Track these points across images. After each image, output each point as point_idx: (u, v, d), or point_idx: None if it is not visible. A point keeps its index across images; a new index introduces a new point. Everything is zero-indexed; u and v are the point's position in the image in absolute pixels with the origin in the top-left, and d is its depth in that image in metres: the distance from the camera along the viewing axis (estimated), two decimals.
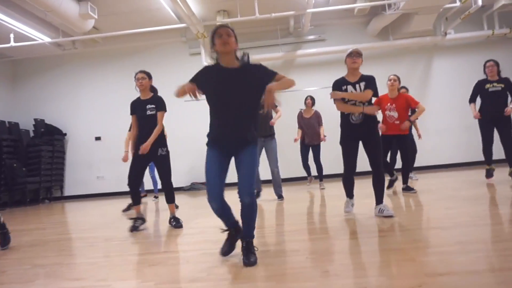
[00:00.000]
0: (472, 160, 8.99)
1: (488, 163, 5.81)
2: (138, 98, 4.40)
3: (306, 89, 9.65)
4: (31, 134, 9.97)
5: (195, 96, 2.62)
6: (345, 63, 3.96)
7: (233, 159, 2.76)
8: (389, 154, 5.82)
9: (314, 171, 7.41)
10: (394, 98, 5.47)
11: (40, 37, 8.32)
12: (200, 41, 9.30)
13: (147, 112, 4.24)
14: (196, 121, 9.82)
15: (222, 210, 2.75)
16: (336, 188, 6.66)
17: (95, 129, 10.26)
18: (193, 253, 3.10)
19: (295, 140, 7.20)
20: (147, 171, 5.69)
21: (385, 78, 9.56)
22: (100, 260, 3.14)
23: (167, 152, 4.33)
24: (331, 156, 9.26)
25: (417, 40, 9.01)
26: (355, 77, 3.93)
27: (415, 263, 2.32)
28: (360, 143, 3.96)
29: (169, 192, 4.35)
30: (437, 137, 9.35)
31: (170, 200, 4.36)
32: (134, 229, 4.21)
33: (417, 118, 5.83)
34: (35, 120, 9.92)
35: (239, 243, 2.78)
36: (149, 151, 4.17)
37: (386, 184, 5.73)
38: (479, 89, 5.82)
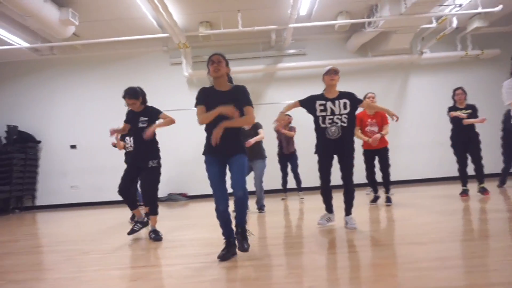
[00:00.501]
0: (444, 176, 9.26)
1: (464, 184, 6.14)
2: (131, 111, 4.51)
3: (284, 102, 9.75)
4: (3, 141, 9.63)
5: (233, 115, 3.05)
6: (323, 79, 4.14)
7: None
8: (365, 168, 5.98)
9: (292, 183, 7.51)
10: (374, 114, 5.71)
11: (17, 42, 8.11)
12: (181, 51, 9.30)
13: (139, 125, 4.29)
14: (174, 133, 9.76)
15: (227, 217, 3.15)
16: (317, 201, 6.72)
17: (70, 137, 10.01)
18: (176, 268, 3.06)
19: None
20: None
21: (363, 93, 9.80)
22: (78, 275, 3.06)
23: (158, 164, 4.34)
24: (308, 166, 9.21)
25: (394, 57, 9.29)
26: (334, 93, 4.10)
27: (397, 279, 2.37)
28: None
29: (152, 203, 4.33)
30: (411, 152, 9.60)
31: (153, 212, 4.34)
32: (132, 232, 4.34)
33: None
34: (8, 126, 9.60)
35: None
36: (141, 162, 4.27)
37: (370, 199, 5.97)
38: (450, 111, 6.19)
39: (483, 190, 5.96)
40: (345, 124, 3.99)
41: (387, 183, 5.76)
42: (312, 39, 9.73)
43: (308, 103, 4.14)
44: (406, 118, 9.72)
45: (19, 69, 10.03)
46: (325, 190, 4.20)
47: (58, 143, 10.01)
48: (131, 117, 4.40)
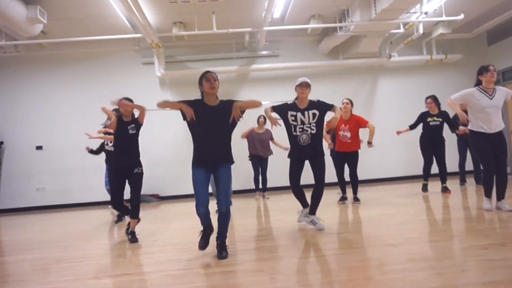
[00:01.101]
0: (412, 174, 9.64)
1: (425, 179, 6.73)
2: (120, 119, 4.63)
3: None
4: None
5: (190, 118, 3.38)
6: (295, 90, 4.42)
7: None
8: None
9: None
10: (347, 119, 5.99)
11: None
12: (154, 51, 9.16)
13: (129, 131, 4.57)
14: (146, 134, 9.56)
15: (206, 215, 3.36)
16: (287, 201, 6.85)
17: (36, 138, 9.64)
18: (156, 275, 3.05)
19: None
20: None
21: (335, 94, 10.09)
22: (55, 286, 2.99)
23: (142, 171, 4.62)
24: (284, 168, 9.44)
25: (364, 60, 9.54)
26: (304, 104, 4.37)
27: (373, 282, 2.48)
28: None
29: (135, 208, 4.57)
30: (380, 152, 9.89)
31: (135, 215, 4.58)
32: (119, 220, 5.33)
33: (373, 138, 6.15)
34: None
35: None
36: (126, 168, 4.54)
37: (338, 199, 6.20)
38: (422, 120, 6.69)
39: (445, 189, 6.50)
40: (314, 131, 4.29)
41: (356, 185, 6.10)
42: (285, 41, 9.83)
43: (280, 111, 4.42)
44: (375, 119, 9.96)
45: None
46: (296, 190, 4.47)
47: (22, 144, 9.62)
48: (121, 124, 4.59)
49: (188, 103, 3.43)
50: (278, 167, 9.08)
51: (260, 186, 8.01)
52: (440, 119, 6.56)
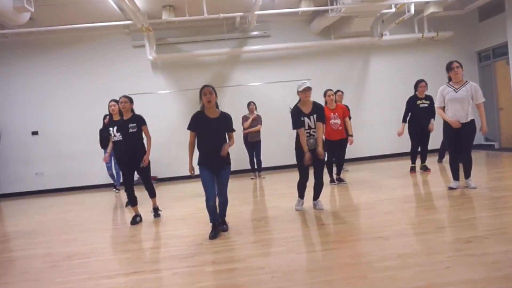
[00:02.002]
0: (400, 152, 9.93)
1: (413, 162, 7.30)
2: (121, 119, 5.19)
3: (250, 84, 9.92)
4: None
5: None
6: (298, 95, 4.76)
7: None
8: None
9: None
10: (334, 108, 6.47)
11: None
12: (144, 34, 9.08)
13: (129, 130, 5.07)
14: (154, 116, 9.69)
15: (214, 208, 4.14)
16: (282, 183, 7.12)
17: (31, 123, 9.68)
18: (164, 274, 3.27)
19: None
20: (113, 167, 8.17)
21: (327, 73, 10.22)
22: (71, 286, 3.20)
23: (149, 160, 5.22)
24: (278, 148, 9.75)
25: (356, 40, 9.58)
26: (308, 108, 4.74)
27: (367, 281, 2.72)
28: None
29: (150, 190, 5.42)
30: (371, 130, 10.13)
31: (153, 195, 5.47)
32: (134, 223, 5.21)
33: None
34: None
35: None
36: (134, 159, 5.11)
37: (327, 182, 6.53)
38: (411, 105, 6.96)
39: (425, 168, 7.20)
40: (315, 135, 4.78)
41: (340, 167, 6.88)
42: (276, 21, 9.78)
43: (299, 121, 4.73)
44: (367, 97, 10.18)
45: None
46: (303, 184, 4.99)
47: (18, 130, 9.67)
48: (120, 125, 5.13)
49: (192, 122, 4.14)
50: (272, 150, 9.64)
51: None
52: (428, 102, 6.89)
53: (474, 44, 10.23)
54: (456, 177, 5.45)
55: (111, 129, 5.84)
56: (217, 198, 4.22)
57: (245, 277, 3.03)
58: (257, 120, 8.37)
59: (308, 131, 4.70)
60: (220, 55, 9.62)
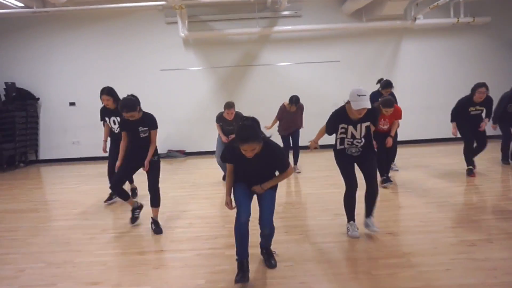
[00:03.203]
0: (430, 138, 9.91)
1: (469, 163, 6.13)
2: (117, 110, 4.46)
3: (279, 63, 10.00)
4: (2, 98, 9.81)
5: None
6: (346, 103, 3.67)
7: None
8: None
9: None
10: (390, 115, 5.55)
11: (12, 3, 8.05)
12: (177, 11, 9.24)
13: (140, 135, 4.22)
14: (170, 93, 10.05)
15: (246, 229, 3.03)
16: (307, 166, 7.32)
17: (68, 94, 10.20)
18: (188, 254, 3.64)
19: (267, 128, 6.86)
20: None
21: (357, 56, 10.12)
22: (106, 259, 3.63)
23: (158, 158, 4.38)
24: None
25: (388, 23, 9.39)
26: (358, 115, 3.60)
27: (369, 277, 2.99)
28: None
29: (155, 195, 4.35)
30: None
31: (155, 204, 4.35)
32: (134, 220, 4.56)
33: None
34: (6, 84, 9.73)
35: None
36: (140, 156, 4.25)
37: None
38: (462, 109, 6.02)
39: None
40: (363, 143, 3.76)
41: (388, 163, 6.00)
42: (308, 1, 9.69)
43: (332, 128, 3.80)
44: (396, 82, 9.98)
45: (12, 25, 9.89)
46: (351, 196, 3.86)
47: (57, 100, 10.23)
48: (128, 126, 4.24)
49: (227, 158, 3.16)
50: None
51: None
52: (483, 108, 5.95)
53: None
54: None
55: (107, 119, 5.42)
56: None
57: (260, 264, 3.35)
58: (299, 111, 7.18)
59: (351, 140, 3.71)
60: (250, 34, 9.70)
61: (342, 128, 3.70)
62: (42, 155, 10.37)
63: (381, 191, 5.53)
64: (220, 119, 6.46)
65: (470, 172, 6.05)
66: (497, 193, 5.30)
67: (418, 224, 4.11)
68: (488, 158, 7.16)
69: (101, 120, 5.58)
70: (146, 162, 4.21)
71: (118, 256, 3.71)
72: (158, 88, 9.94)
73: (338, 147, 3.81)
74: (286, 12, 9.76)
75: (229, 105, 6.24)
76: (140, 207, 4.65)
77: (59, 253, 3.84)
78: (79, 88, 10.16)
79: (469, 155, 6.10)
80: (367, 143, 3.78)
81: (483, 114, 6.09)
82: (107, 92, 5.24)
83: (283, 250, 3.60)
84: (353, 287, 2.87)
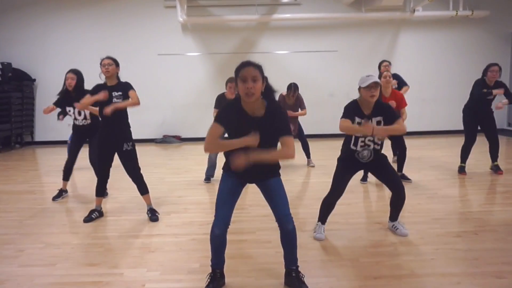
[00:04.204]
0: (423, 130, 10.04)
1: (463, 160, 5.99)
2: (105, 83, 4.11)
3: (277, 51, 10.02)
4: None
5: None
6: (359, 91, 3.34)
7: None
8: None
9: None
10: (389, 96, 5.20)
11: None
12: None
13: (113, 100, 3.95)
14: (169, 75, 10.05)
15: (222, 241, 2.63)
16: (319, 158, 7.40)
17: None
18: (184, 239, 3.75)
19: None
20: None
21: (354, 46, 10.13)
22: (102, 241, 3.74)
23: (133, 146, 4.14)
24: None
25: (386, 14, 9.45)
26: (370, 108, 3.35)
27: (357, 264, 3.12)
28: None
29: (140, 183, 4.28)
30: None
31: (144, 190, 4.31)
32: (89, 220, 4.23)
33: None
34: (2, 64, 9.69)
35: None
36: (114, 144, 4.08)
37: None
38: (479, 88, 5.60)
39: (497, 169, 5.94)
40: (378, 147, 3.45)
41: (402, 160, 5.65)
42: None
43: (352, 118, 3.37)
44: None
45: (10, 6, 9.82)
46: (331, 203, 3.65)
47: (53, 82, 10.09)
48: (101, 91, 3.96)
49: (219, 118, 2.51)
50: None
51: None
52: (496, 93, 5.53)
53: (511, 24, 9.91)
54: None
55: (69, 109, 5.05)
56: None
57: (253, 249, 3.47)
58: (297, 101, 6.67)
59: (363, 139, 3.38)
60: (249, 21, 9.69)
61: (356, 123, 3.33)
62: (38, 137, 10.40)
63: (373, 179, 5.72)
64: (220, 101, 5.72)
65: (462, 170, 5.99)
66: (486, 186, 5.44)
67: (406, 215, 4.23)
68: (479, 152, 7.28)
69: (59, 113, 5.29)
70: (112, 106, 3.84)
71: (114, 239, 3.81)
72: (155, 73, 9.96)
73: (351, 146, 3.45)
74: (285, 0, 9.74)
75: (232, 79, 5.37)
76: (100, 212, 4.39)
77: (57, 234, 3.94)
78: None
79: (465, 155, 5.95)
80: (380, 147, 3.49)
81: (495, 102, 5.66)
82: (74, 70, 4.99)
83: (275, 237, 3.69)
84: (341, 273, 3.00)
